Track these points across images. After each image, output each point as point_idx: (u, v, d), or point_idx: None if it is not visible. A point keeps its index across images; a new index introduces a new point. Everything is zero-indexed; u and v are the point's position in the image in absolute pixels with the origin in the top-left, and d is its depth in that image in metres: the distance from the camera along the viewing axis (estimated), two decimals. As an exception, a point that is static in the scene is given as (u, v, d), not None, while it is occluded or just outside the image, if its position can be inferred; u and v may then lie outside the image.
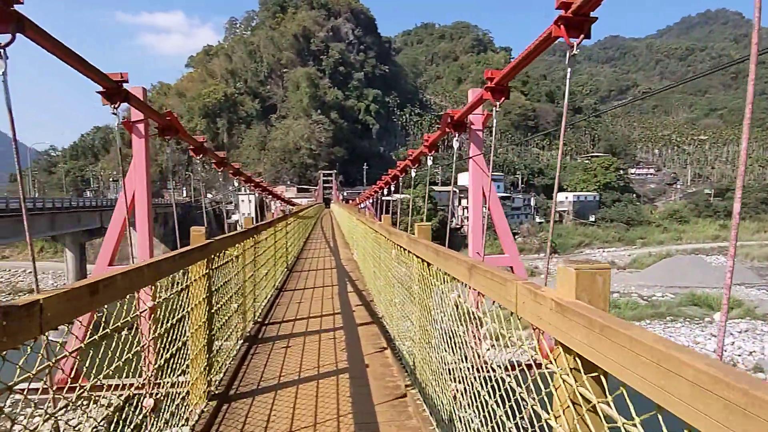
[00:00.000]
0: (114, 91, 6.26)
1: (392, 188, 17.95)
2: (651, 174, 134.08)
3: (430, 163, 9.00)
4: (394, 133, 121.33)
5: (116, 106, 6.12)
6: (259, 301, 7.40)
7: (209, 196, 73.98)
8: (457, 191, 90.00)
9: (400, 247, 4.52)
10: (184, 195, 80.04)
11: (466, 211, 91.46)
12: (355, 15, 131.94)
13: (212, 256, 3.94)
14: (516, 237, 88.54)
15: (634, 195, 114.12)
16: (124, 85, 6.52)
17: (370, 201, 26.83)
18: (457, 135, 7.73)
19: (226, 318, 4.74)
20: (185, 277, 3.42)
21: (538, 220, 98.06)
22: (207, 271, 3.71)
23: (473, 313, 2.52)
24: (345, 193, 76.66)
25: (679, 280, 51.96)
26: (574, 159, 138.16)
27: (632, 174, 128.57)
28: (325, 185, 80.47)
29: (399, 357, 4.98)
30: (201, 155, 9.08)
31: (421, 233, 3.96)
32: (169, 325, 2.98)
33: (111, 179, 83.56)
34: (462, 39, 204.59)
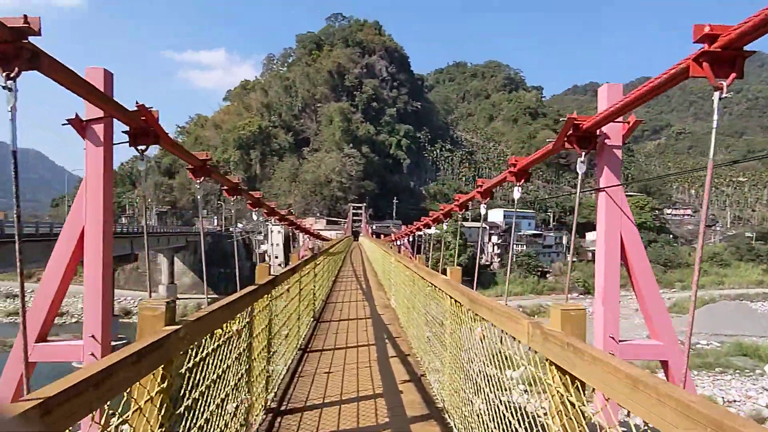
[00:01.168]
0: (9, 49, 3.11)
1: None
2: (688, 215, 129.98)
3: (517, 195, 6.04)
4: (424, 169, 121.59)
5: (12, 74, 3.06)
6: (275, 376, 5.54)
7: (239, 225, 74.91)
8: (487, 228, 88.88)
9: (513, 338, 2.55)
10: (215, 224, 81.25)
11: (496, 248, 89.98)
12: (389, 53, 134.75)
13: (182, 353, 2.30)
14: (547, 276, 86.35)
15: (671, 236, 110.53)
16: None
17: (408, 238, 24.98)
18: (583, 154, 4.86)
19: None
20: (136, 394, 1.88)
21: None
22: (164, 384, 2.04)
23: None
24: (374, 227, 76.49)
25: (724, 327, 49.19)
26: (562, 196, 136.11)
27: (668, 214, 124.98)
28: (354, 218, 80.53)
29: None
30: (201, 178, 6.10)
31: (566, 322, 2.07)
32: None
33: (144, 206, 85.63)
34: (494, 78, 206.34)
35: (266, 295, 4.68)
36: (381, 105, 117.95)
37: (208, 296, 64.23)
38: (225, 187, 7.48)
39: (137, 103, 4.54)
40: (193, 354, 2.53)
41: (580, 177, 4.95)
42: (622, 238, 5.74)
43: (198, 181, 6.03)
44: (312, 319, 10.19)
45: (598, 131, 5.27)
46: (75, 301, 55.51)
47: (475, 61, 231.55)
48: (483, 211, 7.38)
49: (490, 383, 3.16)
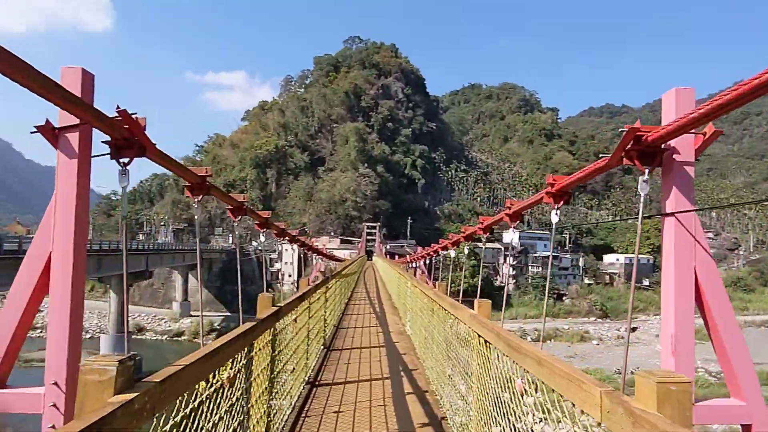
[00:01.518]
0: None
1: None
2: (709, 238, 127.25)
3: (555, 219, 5.21)
4: (439, 189, 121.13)
5: None
6: (277, 420, 4.82)
7: (253, 243, 74.98)
8: (501, 249, 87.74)
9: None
10: (230, 241, 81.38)
11: (511, 269, 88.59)
12: (405, 74, 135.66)
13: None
14: (563, 299, 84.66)
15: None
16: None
17: (424, 261, 23.85)
18: (646, 171, 4.07)
19: None
20: None
21: (587, 281, 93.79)
22: None
23: None
24: (388, 246, 75.98)
25: (750, 355, 47.59)
26: (624, 220, 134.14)
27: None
28: (368, 237, 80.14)
29: None
30: (199, 196, 5.10)
31: (666, 401, 1.49)
32: None
33: (161, 224, 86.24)
34: (509, 99, 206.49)
35: (268, 330, 4.05)
36: (396, 125, 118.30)
37: (221, 313, 64.02)
38: (229, 207, 6.46)
39: (118, 108, 3.86)
40: (162, 422, 1.91)
41: (642, 199, 4.03)
42: (696, 273, 4.74)
43: (196, 200, 5.00)
44: (322, 347, 9.52)
45: (663, 145, 4.37)
46: (90, 316, 55.98)
47: (489, 83, 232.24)
48: (513, 235, 6.39)
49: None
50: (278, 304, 4.49)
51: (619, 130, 4.13)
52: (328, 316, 10.79)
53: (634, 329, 63.18)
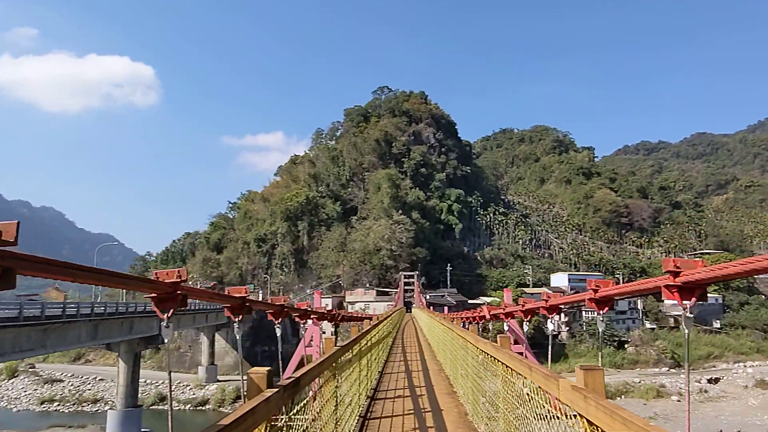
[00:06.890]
0: None
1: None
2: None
3: (601, 327, 4.58)
4: (477, 233, 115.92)
5: None
6: None
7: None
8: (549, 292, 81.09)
9: None
10: (260, 298, 77.74)
11: (562, 316, 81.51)
12: (436, 120, 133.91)
13: None
14: (626, 346, 76.64)
15: (764, 297, 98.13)
16: None
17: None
18: (688, 306, 3.18)
19: None
20: None
21: (648, 325, 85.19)
22: None
23: None
24: (428, 296, 70.58)
25: None
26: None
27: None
28: (406, 287, 75.03)
29: None
30: (170, 311, 3.32)
31: None
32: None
33: (189, 282, 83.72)
34: (542, 141, 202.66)
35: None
36: (430, 171, 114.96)
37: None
38: (227, 305, 4.73)
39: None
40: None
41: (686, 337, 3.08)
42: None
43: (165, 318, 3.23)
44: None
45: None
46: (111, 386, 52.16)
47: (521, 127, 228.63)
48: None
49: None
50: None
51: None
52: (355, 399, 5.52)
53: (716, 380, 54.92)
